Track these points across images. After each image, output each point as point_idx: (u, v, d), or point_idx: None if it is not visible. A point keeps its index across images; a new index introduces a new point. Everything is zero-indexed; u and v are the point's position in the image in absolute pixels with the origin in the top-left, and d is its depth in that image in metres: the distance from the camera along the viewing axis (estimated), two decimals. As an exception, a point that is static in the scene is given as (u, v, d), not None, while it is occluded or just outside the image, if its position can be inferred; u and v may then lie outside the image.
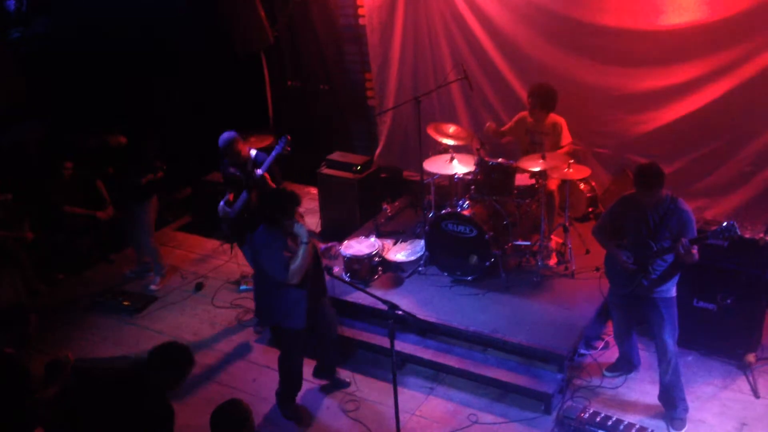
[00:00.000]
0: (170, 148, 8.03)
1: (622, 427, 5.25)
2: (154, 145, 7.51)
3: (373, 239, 7.02)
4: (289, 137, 6.35)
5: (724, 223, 4.77)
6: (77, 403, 4.60)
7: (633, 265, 5.18)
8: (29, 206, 7.35)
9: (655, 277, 5.17)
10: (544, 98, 6.76)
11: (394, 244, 7.18)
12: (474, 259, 6.53)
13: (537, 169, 6.44)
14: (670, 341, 5.26)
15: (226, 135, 6.43)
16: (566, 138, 6.83)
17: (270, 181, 6.36)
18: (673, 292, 5.25)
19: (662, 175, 5.00)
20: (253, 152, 6.53)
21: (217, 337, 6.86)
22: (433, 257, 6.83)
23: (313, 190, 8.86)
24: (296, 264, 5.12)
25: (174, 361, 4.38)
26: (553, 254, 6.92)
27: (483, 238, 6.45)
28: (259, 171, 6.31)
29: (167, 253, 8.11)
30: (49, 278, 7.75)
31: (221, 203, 6.59)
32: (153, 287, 7.60)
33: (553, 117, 6.86)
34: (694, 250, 4.93)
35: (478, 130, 7.88)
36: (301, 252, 5.13)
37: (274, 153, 6.36)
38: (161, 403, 4.31)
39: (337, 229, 8.02)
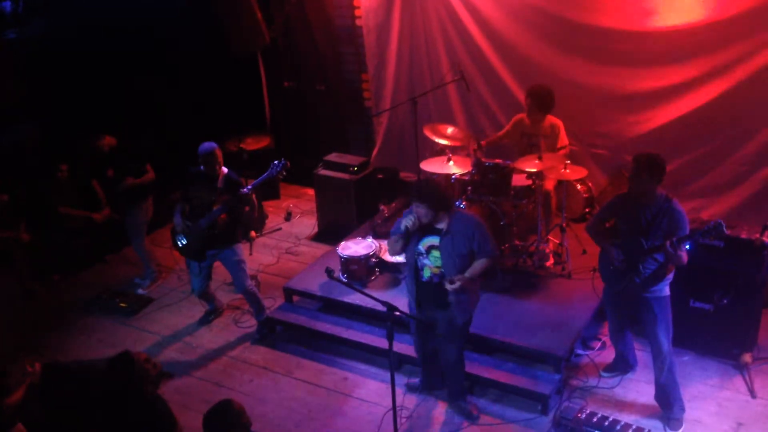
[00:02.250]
0: (167, 148, 8.03)
1: (618, 427, 5.26)
2: (141, 147, 7.50)
3: (370, 240, 7.02)
4: (288, 163, 6.22)
5: (711, 223, 4.78)
6: (58, 402, 4.61)
7: (623, 263, 5.19)
8: (25, 207, 7.34)
9: (647, 276, 5.17)
10: (542, 99, 6.77)
11: (391, 245, 7.17)
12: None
13: (533, 169, 6.45)
14: (665, 341, 5.27)
15: (208, 144, 6.31)
16: (563, 140, 6.85)
17: (255, 201, 6.32)
18: (666, 292, 5.25)
19: (654, 163, 4.98)
20: (224, 170, 6.39)
21: (213, 339, 6.85)
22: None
23: (310, 191, 8.86)
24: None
25: (122, 376, 4.38)
26: (550, 255, 6.93)
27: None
28: (245, 189, 6.19)
29: (164, 254, 8.09)
30: (45, 279, 7.73)
31: (177, 215, 6.46)
32: (140, 291, 7.61)
33: (551, 119, 6.88)
34: (682, 252, 4.92)
35: (475, 130, 7.90)
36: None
37: (266, 175, 6.21)
38: (162, 407, 4.32)
39: (334, 230, 8.03)
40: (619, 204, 5.30)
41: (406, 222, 5.17)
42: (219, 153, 6.31)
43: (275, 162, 6.26)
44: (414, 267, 5.34)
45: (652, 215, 5.07)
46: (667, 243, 4.87)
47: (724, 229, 4.72)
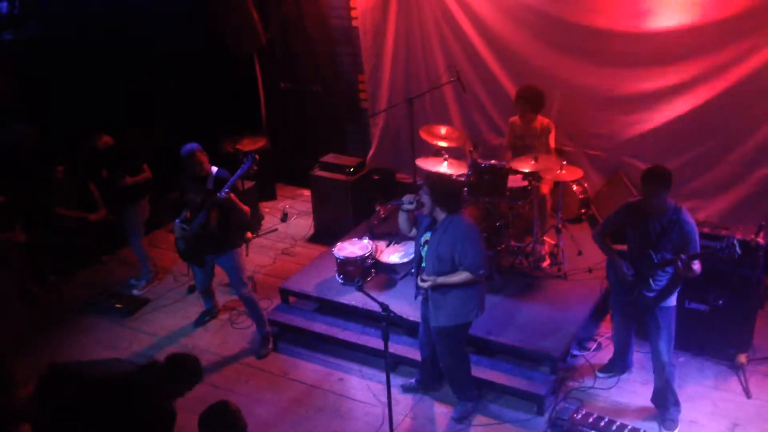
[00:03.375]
0: (163, 149, 8.01)
1: (614, 428, 5.26)
2: (139, 146, 7.49)
3: (366, 241, 7.02)
4: (257, 156, 6.16)
5: (724, 241, 4.73)
6: (57, 403, 4.61)
7: (632, 277, 5.18)
8: (21, 208, 7.33)
9: (657, 289, 5.15)
10: (534, 100, 6.81)
11: (387, 245, 7.18)
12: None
13: (529, 170, 6.46)
14: (665, 352, 5.26)
15: (188, 146, 6.24)
16: (551, 143, 6.87)
17: (237, 200, 6.18)
18: (673, 302, 5.24)
19: (666, 176, 4.95)
20: (214, 169, 6.31)
21: (210, 339, 6.85)
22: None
23: (306, 192, 8.86)
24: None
25: (190, 374, 4.56)
26: (546, 256, 6.93)
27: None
28: (221, 192, 6.04)
29: (160, 254, 8.10)
30: (41, 280, 7.72)
31: (177, 220, 6.43)
32: (135, 292, 7.60)
33: (541, 119, 6.90)
34: (695, 265, 4.91)
35: (471, 131, 7.92)
36: None
37: (239, 172, 6.10)
38: (166, 408, 4.34)
39: (331, 231, 8.03)
40: (627, 213, 5.24)
41: (407, 198, 5.28)
42: (200, 154, 6.22)
43: (247, 158, 6.14)
44: (419, 256, 5.41)
45: (662, 227, 5.02)
46: (678, 262, 4.85)
47: (738, 248, 4.69)
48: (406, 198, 5.29)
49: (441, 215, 5.15)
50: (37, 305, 7.43)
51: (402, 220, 5.47)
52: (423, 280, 5.21)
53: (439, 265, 5.16)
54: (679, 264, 4.85)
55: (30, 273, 7.53)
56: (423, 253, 5.31)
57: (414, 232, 5.51)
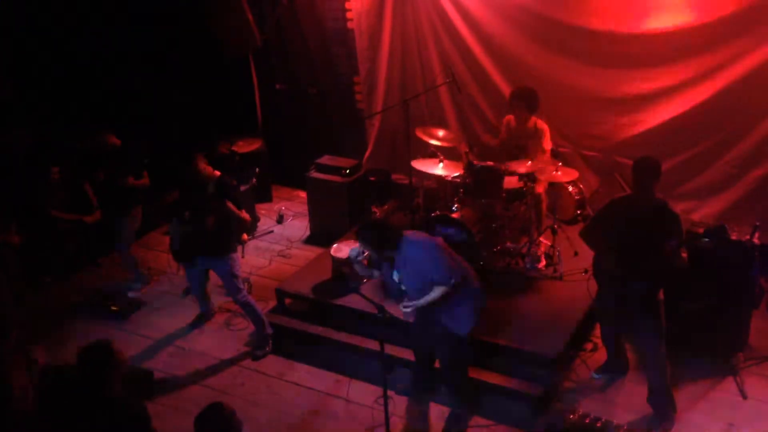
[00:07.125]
0: (159, 151, 8.01)
1: (610, 428, 5.26)
2: (142, 149, 7.48)
3: (362, 242, 7.01)
4: (257, 169, 6.25)
5: (715, 226, 4.78)
6: (52, 406, 4.59)
7: (621, 268, 5.19)
8: (16, 210, 7.31)
9: (644, 280, 5.17)
10: (529, 100, 6.80)
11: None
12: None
13: (525, 171, 6.47)
14: (658, 344, 5.28)
15: (190, 152, 6.31)
16: (547, 144, 6.88)
17: (235, 208, 6.26)
18: (660, 296, 5.25)
19: (656, 169, 5.02)
20: (217, 174, 6.37)
21: (205, 342, 6.84)
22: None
23: (302, 194, 8.86)
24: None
25: (92, 364, 4.29)
26: (542, 257, 6.94)
27: (472, 241, 6.45)
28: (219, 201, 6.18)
29: (156, 257, 8.08)
30: (36, 282, 7.69)
31: (175, 219, 6.44)
32: (131, 294, 7.57)
33: (535, 120, 6.90)
34: (684, 253, 4.95)
35: (467, 132, 7.92)
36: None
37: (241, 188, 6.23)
38: (116, 408, 4.25)
39: (327, 233, 8.02)
40: (615, 208, 5.28)
41: (352, 251, 5.45)
42: (200, 159, 6.27)
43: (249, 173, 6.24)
44: (398, 290, 5.48)
45: (648, 219, 5.05)
46: (668, 247, 4.87)
47: (726, 231, 4.72)
48: (352, 252, 5.40)
49: (392, 252, 5.21)
50: (31, 307, 7.40)
51: (359, 269, 5.53)
52: (405, 307, 5.28)
53: (422, 286, 5.23)
54: (668, 252, 4.85)
55: (24, 275, 7.50)
56: (404, 288, 5.36)
57: (377, 273, 5.65)
